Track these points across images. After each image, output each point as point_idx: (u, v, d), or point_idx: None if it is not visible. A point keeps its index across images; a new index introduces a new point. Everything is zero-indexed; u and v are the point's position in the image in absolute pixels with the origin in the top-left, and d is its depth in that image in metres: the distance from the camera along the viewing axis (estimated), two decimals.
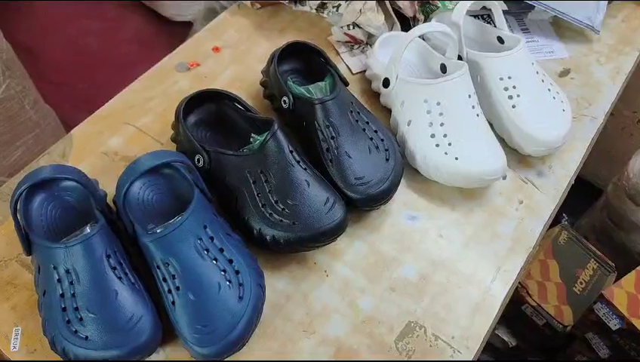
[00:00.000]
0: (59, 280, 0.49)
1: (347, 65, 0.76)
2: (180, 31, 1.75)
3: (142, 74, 0.74)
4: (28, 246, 0.52)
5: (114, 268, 0.50)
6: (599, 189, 1.21)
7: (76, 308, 0.48)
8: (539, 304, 0.97)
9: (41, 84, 1.35)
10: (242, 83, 0.73)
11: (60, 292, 0.49)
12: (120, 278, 0.50)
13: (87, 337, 0.47)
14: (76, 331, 0.48)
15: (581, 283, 1.01)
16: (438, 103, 0.63)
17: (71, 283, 0.49)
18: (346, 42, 0.77)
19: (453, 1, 0.75)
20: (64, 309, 0.48)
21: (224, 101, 0.65)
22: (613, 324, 0.85)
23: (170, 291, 0.50)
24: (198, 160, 0.59)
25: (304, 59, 0.70)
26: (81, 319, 0.48)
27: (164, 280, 0.50)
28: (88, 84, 1.72)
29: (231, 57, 0.76)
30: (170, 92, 0.72)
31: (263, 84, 0.69)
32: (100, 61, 1.73)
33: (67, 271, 0.49)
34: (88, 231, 0.53)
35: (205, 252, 0.51)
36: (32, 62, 1.49)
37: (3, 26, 1.24)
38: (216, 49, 0.77)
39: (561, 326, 0.97)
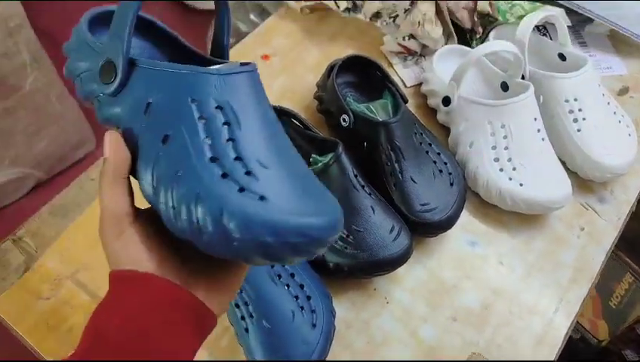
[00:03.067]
0: (204, 118, 0.31)
1: (400, 78, 0.74)
2: (204, 19, 1.72)
3: None
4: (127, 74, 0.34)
5: None
6: None
7: (237, 158, 0.31)
8: None
9: (62, 70, 1.32)
10: (294, 94, 0.71)
11: (208, 140, 0.31)
12: None
13: (262, 197, 0.29)
14: (242, 188, 0.29)
15: (617, 296, 1.00)
16: (503, 126, 0.61)
17: (226, 123, 0.31)
18: (399, 53, 0.75)
19: (514, 14, 0.72)
20: (214, 160, 0.30)
21: (281, 117, 0.63)
22: None
23: (243, 318, 0.49)
24: None
25: (360, 73, 0.68)
26: (248, 173, 0.30)
27: (237, 306, 0.49)
28: None
29: (281, 66, 0.74)
30: None
31: (317, 98, 0.67)
32: None
33: (218, 108, 0.32)
34: None
35: (277, 278, 0.50)
36: (54, 49, 1.46)
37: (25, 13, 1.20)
38: (265, 57, 0.74)
39: (596, 340, 0.96)
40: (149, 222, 0.34)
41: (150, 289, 0.33)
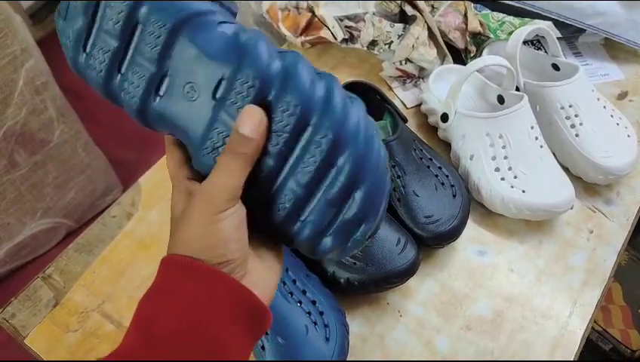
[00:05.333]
0: None
1: (401, 100, 0.77)
2: None
3: None
4: None
5: None
6: None
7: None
8: (604, 329, 0.95)
9: (88, 124, 1.40)
10: None
11: None
12: None
13: None
14: None
15: None
16: (501, 136, 0.63)
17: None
18: (398, 77, 0.78)
19: (504, 31, 0.75)
20: None
21: None
22: None
23: None
24: None
25: (361, 98, 0.71)
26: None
27: None
28: (134, 123, 1.77)
29: None
30: None
31: None
32: None
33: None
34: None
35: (290, 295, 0.52)
36: (79, 103, 1.55)
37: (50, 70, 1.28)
38: None
39: (629, 350, 0.94)
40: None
41: (213, 282, 0.32)
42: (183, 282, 0.32)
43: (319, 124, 0.33)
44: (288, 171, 0.34)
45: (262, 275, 0.36)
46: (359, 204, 0.34)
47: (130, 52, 0.35)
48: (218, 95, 0.34)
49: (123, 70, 0.36)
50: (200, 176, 0.37)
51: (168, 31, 0.34)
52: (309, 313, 0.52)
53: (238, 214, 0.34)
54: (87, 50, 0.36)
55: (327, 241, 0.35)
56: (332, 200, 0.34)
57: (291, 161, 0.34)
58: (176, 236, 0.34)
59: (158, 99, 0.35)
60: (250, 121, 0.32)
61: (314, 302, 0.53)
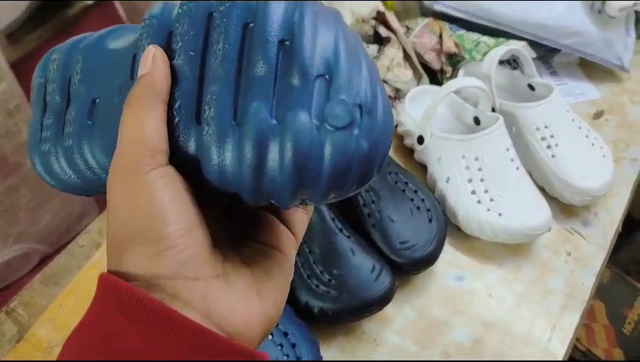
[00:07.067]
0: None
1: None
2: None
3: None
4: None
5: None
6: (638, 220, 1.18)
7: None
8: (588, 348, 0.94)
9: None
10: None
11: None
12: None
13: None
14: None
15: (630, 323, 0.98)
16: (477, 158, 0.62)
17: None
18: None
19: (479, 52, 0.75)
20: None
21: None
22: None
23: None
24: None
25: None
26: None
27: None
28: None
29: None
30: None
31: None
32: None
33: None
34: None
35: None
36: None
37: (21, 86, 1.25)
38: None
39: None
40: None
41: (166, 329, 0.23)
42: (125, 324, 0.23)
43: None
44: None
45: (237, 305, 0.26)
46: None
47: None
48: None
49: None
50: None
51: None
52: (281, 345, 0.50)
53: (171, 180, 0.25)
54: None
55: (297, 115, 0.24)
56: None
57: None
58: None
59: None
60: (146, 57, 0.26)
61: (286, 334, 0.51)
